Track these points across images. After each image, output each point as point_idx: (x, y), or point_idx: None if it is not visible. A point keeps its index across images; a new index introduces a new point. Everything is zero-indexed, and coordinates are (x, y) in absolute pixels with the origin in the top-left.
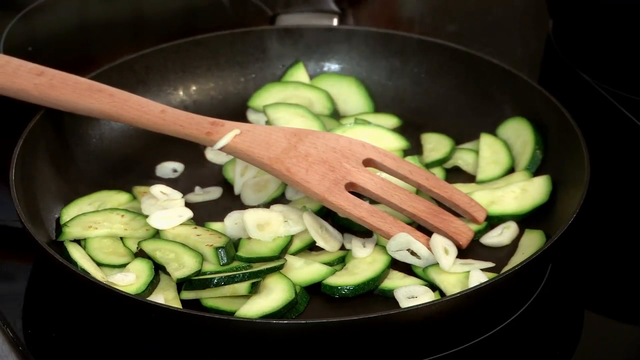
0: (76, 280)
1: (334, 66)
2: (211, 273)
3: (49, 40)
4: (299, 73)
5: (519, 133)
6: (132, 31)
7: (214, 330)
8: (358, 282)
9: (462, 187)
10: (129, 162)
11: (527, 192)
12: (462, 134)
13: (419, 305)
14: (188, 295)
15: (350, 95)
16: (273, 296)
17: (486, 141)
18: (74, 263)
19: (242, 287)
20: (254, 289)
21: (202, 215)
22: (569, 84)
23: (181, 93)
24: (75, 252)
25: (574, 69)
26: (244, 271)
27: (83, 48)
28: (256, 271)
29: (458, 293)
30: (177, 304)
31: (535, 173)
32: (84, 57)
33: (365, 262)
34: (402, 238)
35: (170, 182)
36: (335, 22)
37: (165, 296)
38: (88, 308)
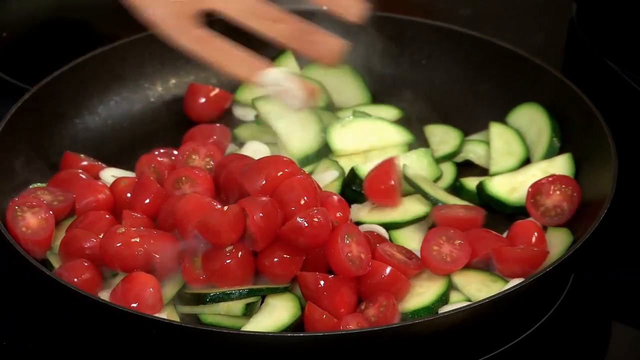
0: (66, 295)
1: None
2: None
3: (24, 27)
4: (288, 63)
5: (532, 120)
6: (112, 17)
7: (221, 345)
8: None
9: (476, 180)
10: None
11: (549, 174)
12: (469, 125)
13: (447, 312)
14: (183, 309)
15: (345, 86)
16: (276, 315)
17: (496, 131)
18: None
19: (237, 307)
20: (249, 311)
21: None
22: (594, 73)
23: (160, 88)
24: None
25: (600, 56)
26: (240, 288)
27: (60, 34)
28: (255, 289)
29: (487, 299)
30: (175, 318)
31: None
32: (61, 44)
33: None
34: (274, 74)
35: None
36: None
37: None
38: (69, 320)
